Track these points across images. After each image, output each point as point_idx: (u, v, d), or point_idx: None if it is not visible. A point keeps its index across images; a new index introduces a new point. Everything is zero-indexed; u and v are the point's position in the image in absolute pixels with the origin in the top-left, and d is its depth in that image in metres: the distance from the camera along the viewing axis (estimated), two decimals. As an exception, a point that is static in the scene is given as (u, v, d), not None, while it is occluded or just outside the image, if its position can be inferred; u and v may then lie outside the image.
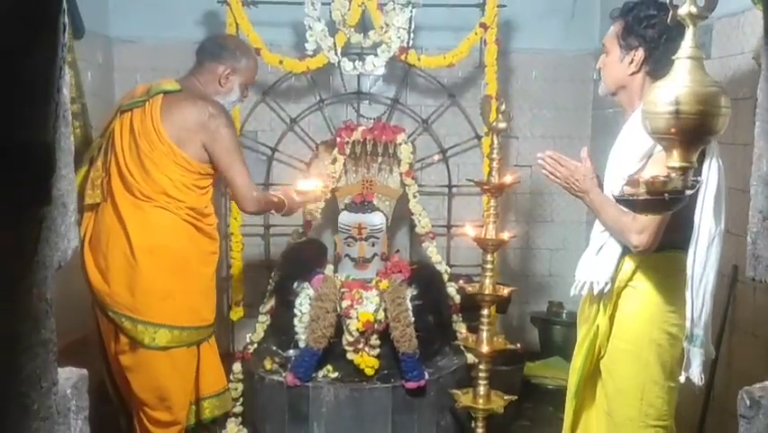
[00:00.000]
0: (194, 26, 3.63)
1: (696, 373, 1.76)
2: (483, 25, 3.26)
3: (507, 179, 2.66)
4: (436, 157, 3.71)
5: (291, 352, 3.02)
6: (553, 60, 3.90)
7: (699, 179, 1.49)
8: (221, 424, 2.86)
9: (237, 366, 3.13)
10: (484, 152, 3.31)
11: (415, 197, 3.39)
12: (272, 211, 2.65)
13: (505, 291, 2.72)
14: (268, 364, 3.05)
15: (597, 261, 1.99)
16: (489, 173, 2.69)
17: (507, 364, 3.25)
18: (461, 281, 2.99)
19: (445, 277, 3.33)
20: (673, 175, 1.41)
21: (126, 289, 2.30)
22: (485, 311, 2.70)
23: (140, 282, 2.29)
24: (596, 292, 1.99)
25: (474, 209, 3.53)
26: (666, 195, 1.36)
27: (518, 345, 2.82)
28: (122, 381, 2.41)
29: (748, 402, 1.24)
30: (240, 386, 3.11)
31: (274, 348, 3.11)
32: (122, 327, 2.32)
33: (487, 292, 2.63)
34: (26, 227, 1.02)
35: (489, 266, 2.67)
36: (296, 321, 3.03)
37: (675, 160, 1.40)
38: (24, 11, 0.99)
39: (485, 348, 2.70)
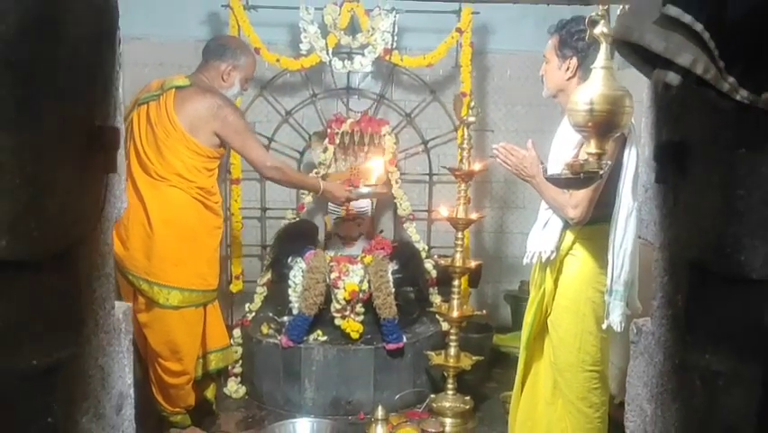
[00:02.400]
0: (198, 25, 3.97)
1: (616, 322, 2.15)
2: (459, 30, 3.64)
3: (477, 166, 3.07)
4: (419, 148, 4.06)
5: (285, 318, 3.39)
6: (527, 60, 4.25)
7: (608, 162, 1.87)
8: (223, 378, 3.24)
9: (237, 332, 3.51)
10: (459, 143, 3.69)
11: (397, 183, 3.77)
12: (303, 189, 3.15)
13: (473, 264, 3.12)
14: (265, 329, 3.44)
15: (543, 234, 2.38)
16: (461, 161, 3.08)
17: (478, 333, 3.66)
18: (435, 256, 3.44)
19: (423, 254, 3.73)
20: (590, 159, 1.80)
21: (144, 255, 2.66)
22: (456, 282, 3.10)
23: (156, 250, 2.65)
24: (544, 260, 2.38)
25: (453, 195, 3.84)
26: (581, 174, 1.74)
27: (484, 311, 3.22)
28: (139, 336, 2.75)
29: (635, 331, 1.64)
30: (239, 349, 3.49)
31: (271, 315, 3.48)
32: (140, 288, 2.68)
33: (457, 265, 3.06)
34: (100, 189, 1.40)
35: (459, 243, 3.09)
36: (290, 291, 3.41)
37: (592, 147, 1.79)
38: (98, 30, 1.37)
39: (455, 314, 3.10)
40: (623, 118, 1.72)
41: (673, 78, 1.03)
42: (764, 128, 1.15)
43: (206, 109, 2.66)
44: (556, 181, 1.85)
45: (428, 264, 3.70)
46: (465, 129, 3.05)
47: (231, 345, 3.06)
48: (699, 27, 0.98)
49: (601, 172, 1.78)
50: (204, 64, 2.82)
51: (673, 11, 0.99)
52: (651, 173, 1.50)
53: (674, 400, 1.38)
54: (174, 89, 2.72)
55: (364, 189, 3.19)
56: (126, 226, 2.66)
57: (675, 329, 1.39)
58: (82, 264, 1.33)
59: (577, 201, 2.20)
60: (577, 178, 1.77)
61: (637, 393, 1.58)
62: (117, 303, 1.55)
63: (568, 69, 2.29)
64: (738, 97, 1.05)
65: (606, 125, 1.72)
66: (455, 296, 3.11)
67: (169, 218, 2.66)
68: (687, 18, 0.98)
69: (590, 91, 1.70)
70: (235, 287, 3.83)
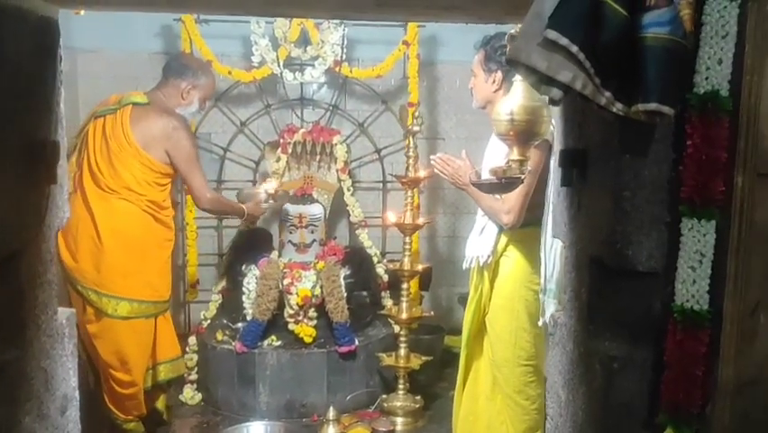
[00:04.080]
0: (151, 38, 4.03)
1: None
2: (406, 42, 3.78)
3: (422, 173, 3.20)
4: (373, 156, 4.19)
5: (240, 324, 3.46)
6: (474, 71, 4.41)
7: (529, 168, 2.00)
8: (176, 387, 3.28)
9: (192, 339, 3.57)
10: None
11: (349, 190, 3.88)
12: (230, 215, 3.24)
13: (419, 267, 3.24)
14: (219, 336, 3.50)
15: (480, 239, 2.51)
16: (407, 169, 3.20)
17: (430, 334, 3.79)
18: (385, 261, 3.59)
19: (375, 259, 3.83)
20: (513, 165, 1.93)
21: (93, 267, 2.71)
22: (404, 285, 3.22)
23: (104, 261, 2.70)
24: (482, 264, 2.50)
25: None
26: (503, 180, 1.88)
27: (432, 312, 3.35)
28: (90, 346, 2.79)
29: (552, 323, 1.78)
30: (195, 357, 3.55)
31: (225, 322, 3.54)
32: (89, 299, 2.73)
33: (406, 269, 3.18)
34: (42, 200, 1.48)
35: (407, 247, 3.21)
36: (244, 298, 3.48)
37: (514, 154, 1.91)
38: (39, 46, 1.46)
39: (404, 315, 3.22)
40: (542, 127, 1.84)
41: (556, 93, 1.17)
42: (644, 136, 1.29)
43: (161, 129, 2.75)
44: (480, 186, 1.98)
45: (380, 269, 3.80)
46: (411, 138, 3.18)
47: (182, 355, 3.11)
48: (574, 49, 1.12)
49: (523, 177, 1.92)
50: (164, 81, 2.90)
51: (552, 34, 1.12)
52: (558, 178, 1.64)
53: (581, 385, 1.51)
54: (131, 105, 2.79)
55: (263, 194, 3.37)
56: (76, 238, 2.71)
57: (581, 320, 1.53)
58: (24, 271, 1.40)
59: (509, 207, 2.34)
60: (499, 183, 1.90)
61: (554, 381, 1.71)
62: (60, 309, 1.63)
63: (494, 81, 2.44)
64: (614, 110, 1.19)
65: (526, 134, 1.84)
66: (404, 299, 3.22)
67: (118, 230, 2.72)
68: (564, 41, 1.11)
69: (511, 102, 1.82)
70: (191, 295, 3.88)
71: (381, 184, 4.17)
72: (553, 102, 1.22)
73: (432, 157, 2.45)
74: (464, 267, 2.56)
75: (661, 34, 1.12)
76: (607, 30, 1.12)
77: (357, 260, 3.69)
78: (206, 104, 3.07)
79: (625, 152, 1.32)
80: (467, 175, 2.42)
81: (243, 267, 3.59)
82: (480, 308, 2.55)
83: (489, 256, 2.46)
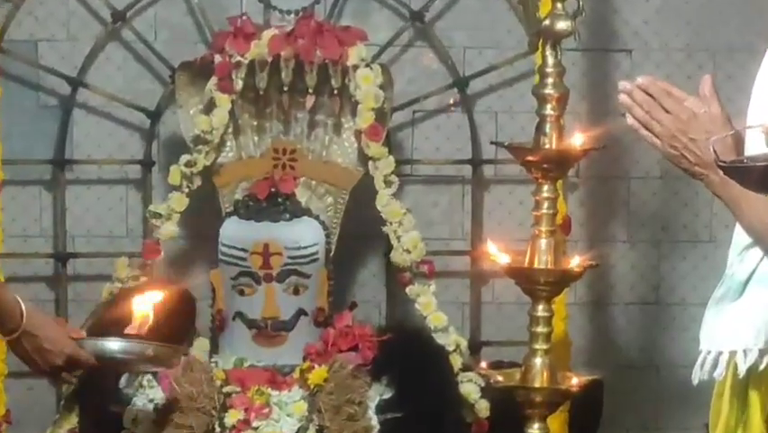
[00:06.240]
0: None
1: None
2: None
3: (577, 139, 1.59)
4: (436, 99, 2.02)
5: None
6: None
7: None
8: None
9: None
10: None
11: (388, 185, 1.83)
12: None
13: (574, 381, 1.66)
14: None
15: (741, 308, 1.19)
16: (541, 131, 1.53)
17: None
18: (482, 364, 1.88)
19: (458, 362, 1.87)
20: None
21: None
22: (536, 426, 1.62)
23: None
24: (742, 370, 1.19)
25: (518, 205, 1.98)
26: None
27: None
28: None
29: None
30: None
31: None
32: None
33: (536, 385, 1.62)
34: None
35: (540, 328, 1.61)
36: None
37: None
38: None
39: None
40: None
41: None
42: None
43: None
44: (746, 172, 0.93)
45: (469, 385, 1.85)
46: (548, 47, 1.52)
47: None
48: None
49: None
50: None
51: None
52: None
53: None
54: None
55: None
56: None
57: None
58: None
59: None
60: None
61: None
62: None
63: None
64: None
65: None
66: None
67: None
68: None
69: None
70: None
71: (469, 168, 2.02)
72: None
73: (622, 84, 1.12)
74: (699, 378, 1.18)
75: None
76: None
77: (410, 359, 1.88)
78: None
79: None
80: (708, 141, 1.06)
81: (123, 383, 1.84)
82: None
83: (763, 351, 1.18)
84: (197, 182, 1.75)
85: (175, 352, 1.44)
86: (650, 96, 1.14)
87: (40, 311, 1.31)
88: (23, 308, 1.22)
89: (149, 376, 1.76)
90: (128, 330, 1.31)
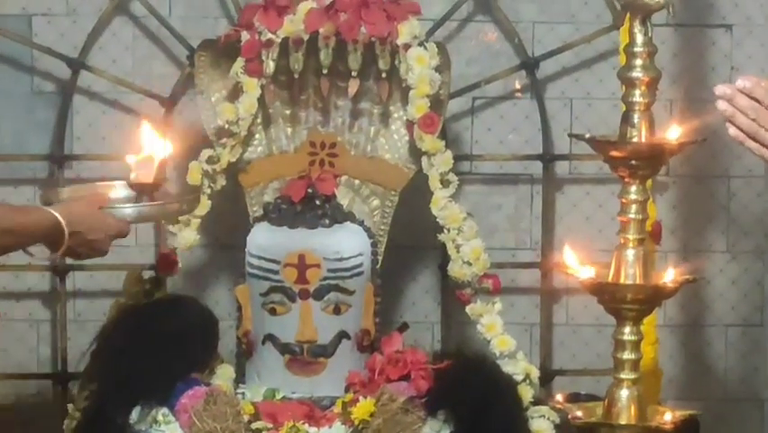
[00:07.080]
0: None
1: None
2: None
3: (673, 132, 1.51)
4: (505, 84, 1.98)
5: None
6: None
7: None
8: None
9: None
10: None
11: (446, 185, 1.76)
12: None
13: (669, 417, 1.59)
14: None
15: None
16: (628, 122, 1.46)
17: None
18: (557, 397, 1.75)
19: (528, 394, 1.76)
20: None
21: None
22: None
23: None
24: None
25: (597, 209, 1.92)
26: None
27: None
28: None
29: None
30: None
31: None
32: None
33: (622, 423, 1.54)
34: None
35: (627, 354, 1.55)
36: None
37: None
38: None
39: None
40: None
41: None
42: None
43: None
44: None
45: (541, 422, 1.74)
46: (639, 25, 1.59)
47: None
48: None
49: None
50: None
51: None
52: None
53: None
54: None
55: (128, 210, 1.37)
56: None
57: None
58: None
59: None
60: None
61: None
62: None
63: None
64: None
65: None
66: None
67: None
68: None
69: None
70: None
71: (539, 164, 1.93)
72: None
73: (720, 91, 0.96)
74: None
75: None
76: None
77: (471, 391, 1.72)
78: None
79: None
80: None
81: (134, 418, 1.66)
82: None
83: None
84: (221, 182, 1.68)
85: (192, 201, 1.46)
86: (755, 100, 1.01)
87: (66, 205, 1.33)
88: (57, 216, 1.22)
89: (164, 410, 1.58)
90: (135, 179, 1.34)
